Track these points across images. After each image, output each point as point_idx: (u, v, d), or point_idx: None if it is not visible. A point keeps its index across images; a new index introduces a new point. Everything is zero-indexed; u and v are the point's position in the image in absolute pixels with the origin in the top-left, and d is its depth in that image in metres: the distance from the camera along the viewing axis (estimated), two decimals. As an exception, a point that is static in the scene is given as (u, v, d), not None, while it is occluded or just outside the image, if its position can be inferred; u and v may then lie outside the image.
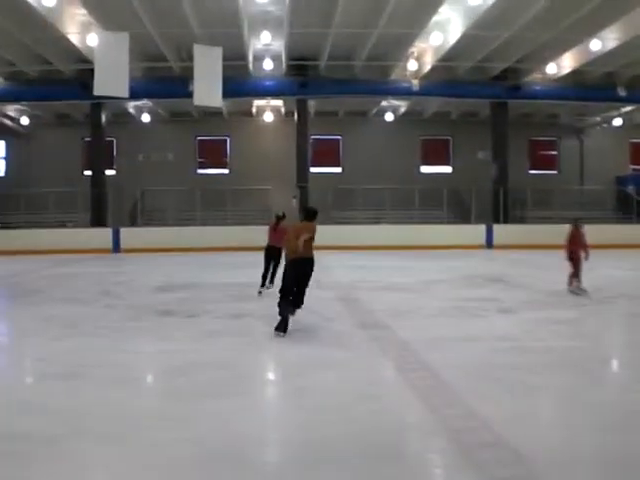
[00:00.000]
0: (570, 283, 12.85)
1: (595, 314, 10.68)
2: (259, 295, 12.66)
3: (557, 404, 5.83)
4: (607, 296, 12.60)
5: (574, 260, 12.77)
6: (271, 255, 12.92)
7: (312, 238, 9.47)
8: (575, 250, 12.77)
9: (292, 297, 9.09)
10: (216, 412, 5.35)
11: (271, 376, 7.00)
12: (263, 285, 12.93)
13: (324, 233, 17.72)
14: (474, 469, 4.16)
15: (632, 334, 9.40)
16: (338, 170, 37.33)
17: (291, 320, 8.80)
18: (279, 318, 8.76)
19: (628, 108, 34.07)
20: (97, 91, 20.91)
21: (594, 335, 8.94)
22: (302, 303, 9.37)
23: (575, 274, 12.79)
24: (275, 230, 12.96)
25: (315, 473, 4.14)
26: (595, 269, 17.11)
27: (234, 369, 6.89)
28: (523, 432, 4.81)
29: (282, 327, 8.70)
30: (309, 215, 10.07)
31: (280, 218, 13.07)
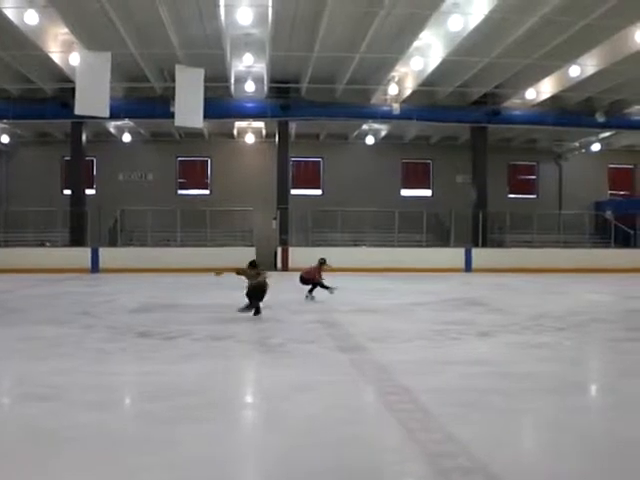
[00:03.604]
0: None
1: (573, 338, 10.73)
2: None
3: (535, 429, 5.85)
4: (585, 320, 12.66)
5: None
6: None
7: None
8: None
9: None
10: (194, 437, 5.30)
11: (249, 400, 6.95)
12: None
13: (303, 255, 17.82)
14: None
15: (610, 358, 9.45)
16: (318, 192, 37.46)
17: (270, 343, 8.80)
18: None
19: (606, 134, 34.51)
20: (78, 110, 20.90)
21: (572, 359, 8.98)
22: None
23: None
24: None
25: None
26: (573, 293, 17.20)
27: (213, 392, 6.85)
28: (501, 457, 4.81)
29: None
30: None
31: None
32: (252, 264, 13.32)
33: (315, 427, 5.56)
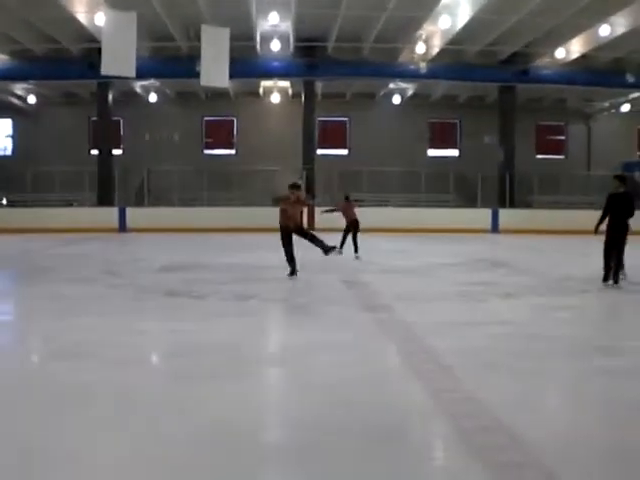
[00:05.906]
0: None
1: (598, 301, 10.71)
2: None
3: (557, 391, 5.87)
4: (609, 283, 12.58)
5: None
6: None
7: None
8: None
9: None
10: (218, 395, 5.39)
11: (274, 358, 7.00)
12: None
13: (329, 215, 17.83)
14: (473, 453, 4.20)
15: (634, 322, 9.42)
16: (344, 152, 37.32)
17: (296, 303, 8.89)
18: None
19: (636, 94, 33.91)
20: (104, 70, 20.91)
21: (597, 322, 8.98)
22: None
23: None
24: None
25: (317, 454, 4.18)
26: (600, 256, 17.10)
27: (238, 351, 6.92)
28: (522, 418, 4.84)
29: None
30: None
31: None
32: (294, 186, 13.51)
33: (339, 387, 5.61)
